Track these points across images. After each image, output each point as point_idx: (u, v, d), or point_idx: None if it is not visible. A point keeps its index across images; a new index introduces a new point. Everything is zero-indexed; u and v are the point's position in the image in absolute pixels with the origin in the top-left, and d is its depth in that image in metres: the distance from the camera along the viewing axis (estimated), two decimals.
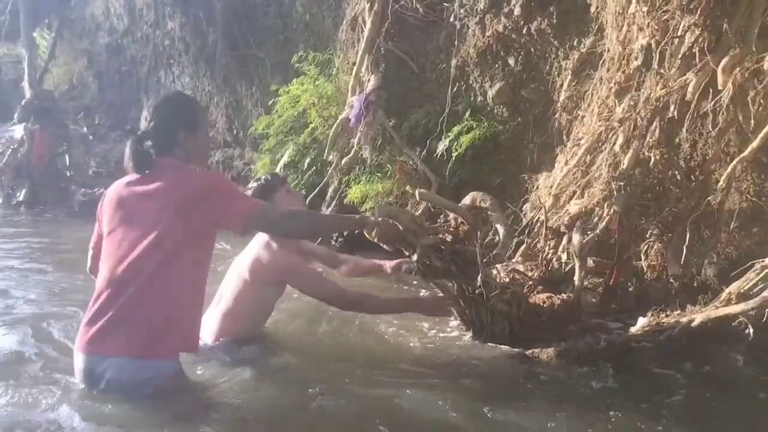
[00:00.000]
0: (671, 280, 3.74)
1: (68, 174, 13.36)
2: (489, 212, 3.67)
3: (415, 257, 3.13)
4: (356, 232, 4.11)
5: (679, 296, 3.70)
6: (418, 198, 3.37)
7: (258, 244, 3.15)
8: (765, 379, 2.99)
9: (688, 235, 3.74)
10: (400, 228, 2.97)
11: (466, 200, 3.74)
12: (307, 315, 3.85)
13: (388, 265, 3.63)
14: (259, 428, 2.45)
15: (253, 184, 3.32)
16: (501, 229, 3.58)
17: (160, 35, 11.40)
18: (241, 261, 3.19)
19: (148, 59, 12.33)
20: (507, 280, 3.64)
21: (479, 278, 3.13)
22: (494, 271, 3.65)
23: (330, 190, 6.71)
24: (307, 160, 6.77)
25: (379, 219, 2.86)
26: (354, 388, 2.78)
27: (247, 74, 9.00)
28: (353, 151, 6.01)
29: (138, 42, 12.83)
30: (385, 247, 3.15)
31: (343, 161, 6.17)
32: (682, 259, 3.73)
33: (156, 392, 2.44)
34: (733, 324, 2.87)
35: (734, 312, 2.68)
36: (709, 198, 3.68)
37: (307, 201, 6.65)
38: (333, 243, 6.80)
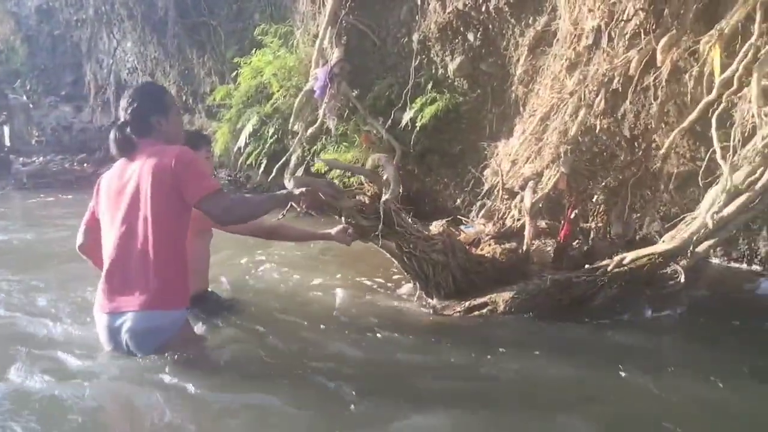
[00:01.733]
0: (615, 238, 4.21)
1: (7, 144, 13.08)
2: (384, 166, 3.92)
3: (344, 220, 3.41)
4: None
5: (621, 251, 4.19)
6: (321, 164, 3.62)
7: None
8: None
9: (629, 198, 4.22)
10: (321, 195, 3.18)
11: (369, 162, 4.02)
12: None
13: (334, 230, 3.65)
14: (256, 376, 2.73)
15: None
16: (393, 182, 3.81)
17: None
18: None
19: (88, 24, 12.08)
20: (436, 232, 3.94)
21: (380, 227, 3.34)
22: (431, 227, 3.99)
23: (293, 158, 6.94)
24: (271, 130, 6.97)
25: (301, 190, 3.02)
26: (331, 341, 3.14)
27: (199, 42, 9.05)
28: (319, 121, 6.25)
29: (72, 5, 12.53)
30: (313, 213, 3.46)
31: (309, 131, 6.41)
32: (625, 219, 4.21)
33: (169, 343, 2.74)
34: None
35: (657, 251, 3.14)
36: (649, 163, 4.16)
37: (274, 170, 6.93)
38: (298, 209, 7.09)
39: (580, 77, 4.02)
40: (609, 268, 3.28)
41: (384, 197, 3.34)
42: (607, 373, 2.72)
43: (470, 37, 5.26)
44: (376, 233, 3.35)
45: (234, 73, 7.34)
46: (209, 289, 3.62)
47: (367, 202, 3.37)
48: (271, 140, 7.18)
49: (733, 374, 2.70)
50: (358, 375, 2.70)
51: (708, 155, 4.02)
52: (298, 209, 3.03)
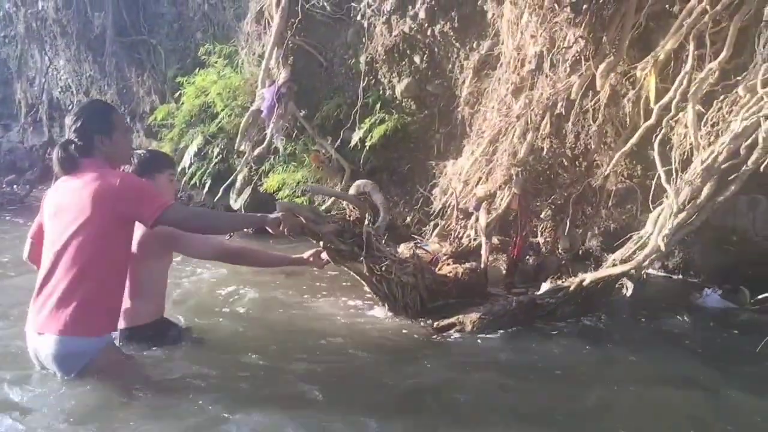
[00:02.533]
0: (562, 252, 4.41)
1: None
2: (370, 194, 4.05)
3: (321, 244, 3.48)
4: None
5: (570, 266, 4.40)
6: (308, 191, 3.71)
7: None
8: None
9: (574, 214, 4.44)
10: (302, 220, 3.26)
11: (353, 188, 4.12)
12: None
13: (306, 254, 3.63)
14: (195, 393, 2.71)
15: (140, 152, 3.38)
16: (381, 208, 3.93)
17: (28, 15, 10.79)
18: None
19: (18, 41, 11.67)
20: (407, 255, 4.09)
21: (362, 253, 3.50)
22: (401, 249, 4.15)
23: (239, 178, 6.92)
24: (216, 150, 6.93)
25: (280, 214, 3.05)
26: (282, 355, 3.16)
27: (138, 61, 8.90)
28: (266, 141, 6.26)
29: (0, 21, 12.10)
30: (291, 237, 3.51)
31: (256, 151, 6.41)
32: (571, 234, 4.42)
33: (91, 366, 2.67)
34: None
35: (615, 273, 3.33)
36: (591, 181, 4.38)
37: (221, 190, 6.88)
38: (246, 229, 7.06)
39: (526, 101, 4.21)
40: (570, 289, 3.44)
41: (377, 224, 3.55)
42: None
43: (417, 59, 5.40)
44: (353, 257, 3.43)
45: (177, 93, 7.25)
46: (165, 316, 3.52)
47: (347, 227, 3.46)
48: (216, 160, 7.13)
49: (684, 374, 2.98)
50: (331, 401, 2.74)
51: (644, 174, 4.34)
52: (273, 232, 3.03)
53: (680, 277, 4.59)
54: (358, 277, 3.70)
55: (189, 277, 4.75)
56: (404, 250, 3.90)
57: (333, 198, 5.58)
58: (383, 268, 3.52)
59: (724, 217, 4.06)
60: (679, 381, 2.93)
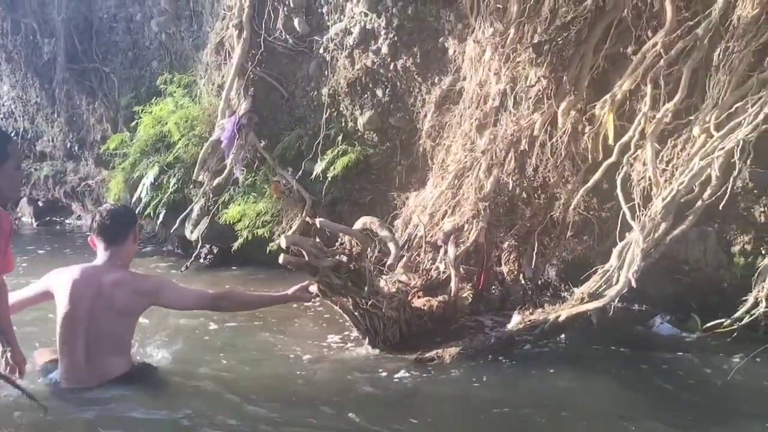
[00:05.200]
0: (526, 282, 4.53)
1: None
2: (377, 232, 4.17)
3: (317, 278, 3.55)
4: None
5: (533, 295, 4.53)
6: (318, 226, 3.77)
7: (113, 280, 3.00)
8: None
9: (536, 245, 4.58)
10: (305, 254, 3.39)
11: (358, 224, 4.21)
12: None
13: (291, 291, 3.61)
14: None
15: (109, 206, 3.34)
16: (391, 244, 4.08)
17: None
18: (101, 298, 2.96)
19: None
20: (393, 290, 4.20)
21: (366, 289, 3.63)
22: (382, 283, 4.23)
23: (196, 209, 6.81)
24: (172, 180, 6.82)
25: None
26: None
27: (90, 89, 8.72)
28: (226, 172, 6.21)
29: None
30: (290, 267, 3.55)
31: (215, 182, 6.35)
32: (533, 264, 4.55)
33: None
34: None
35: (590, 308, 3.46)
36: (551, 214, 4.54)
37: (177, 221, 6.77)
38: (203, 261, 6.96)
39: (490, 137, 4.35)
40: (546, 327, 3.54)
41: (389, 262, 3.78)
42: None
43: (379, 93, 5.50)
44: (345, 291, 3.51)
45: (133, 122, 7.12)
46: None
47: (344, 261, 3.52)
48: (172, 190, 7.01)
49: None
50: None
51: (600, 206, 4.53)
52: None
53: (636, 306, 4.75)
54: (340, 311, 3.73)
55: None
56: (388, 283, 3.95)
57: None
58: (370, 303, 3.55)
59: (676, 248, 4.26)
60: (635, 404, 3.14)
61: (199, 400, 3.01)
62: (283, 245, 3.41)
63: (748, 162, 3.59)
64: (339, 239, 3.98)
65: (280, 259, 3.48)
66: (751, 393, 3.33)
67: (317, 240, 3.73)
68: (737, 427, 2.98)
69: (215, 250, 6.85)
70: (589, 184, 3.98)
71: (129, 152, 7.21)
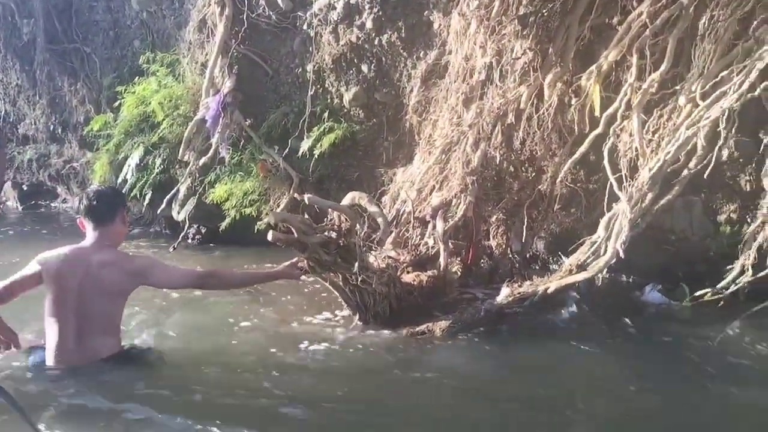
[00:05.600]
0: (515, 255, 4.55)
1: None
2: (366, 207, 4.16)
3: (306, 254, 3.54)
4: None
5: (521, 268, 4.55)
6: (306, 202, 3.76)
7: (101, 260, 2.97)
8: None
9: (524, 218, 4.58)
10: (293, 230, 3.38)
11: (346, 200, 4.20)
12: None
13: (280, 267, 3.55)
14: None
15: (96, 187, 3.34)
16: (380, 219, 4.09)
17: None
18: (89, 278, 2.93)
19: None
20: (383, 265, 4.20)
21: (355, 265, 3.61)
22: (371, 259, 4.22)
23: (183, 189, 6.77)
24: (158, 161, 6.76)
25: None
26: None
27: (71, 69, 8.59)
28: (211, 151, 6.16)
29: None
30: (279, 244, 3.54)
31: (201, 161, 6.30)
32: (523, 238, 4.57)
33: None
34: None
35: (578, 279, 3.48)
36: (539, 187, 4.54)
37: (164, 201, 6.73)
38: (191, 241, 6.93)
39: (477, 110, 4.32)
40: (535, 299, 3.56)
41: (377, 236, 3.76)
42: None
43: (364, 68, 5.45)
44: (334, 267, 3.50)
45: (117, 103, 7.03)
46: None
47: (334, 237, 3.51)
48: (158, 171, 6.96)
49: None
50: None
51: (587, 178, 4.54)
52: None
53: (623, 277, 4.79)
54: (330, 287, 3.73)
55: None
56: (374, 259, 3.94)
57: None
58: (360, 279, 3.55)
59: (663, 218, 4.28)
60: (630, 371, 3.18)
61: (190, 378, 3.01)
62: (272, 222, 3.40)
63: (734, 131, 3.60)
64: (327, 216, 3.97)
65: (269, 236, 3.46)
66: (738, 356, 3.38)
67: (306, 216, 3.71)
68: (723, 388, 3.02)
69: (203, 231, 6.82)
70: (576, 155, 3.98)
71: (113, 133, 7.14)
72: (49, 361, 2.91)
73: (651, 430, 2.66)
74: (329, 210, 3.92)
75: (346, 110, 5.67)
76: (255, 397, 2.83)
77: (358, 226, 3.90)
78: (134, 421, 2.51)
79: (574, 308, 3.86)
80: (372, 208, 4.17)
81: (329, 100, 5.73)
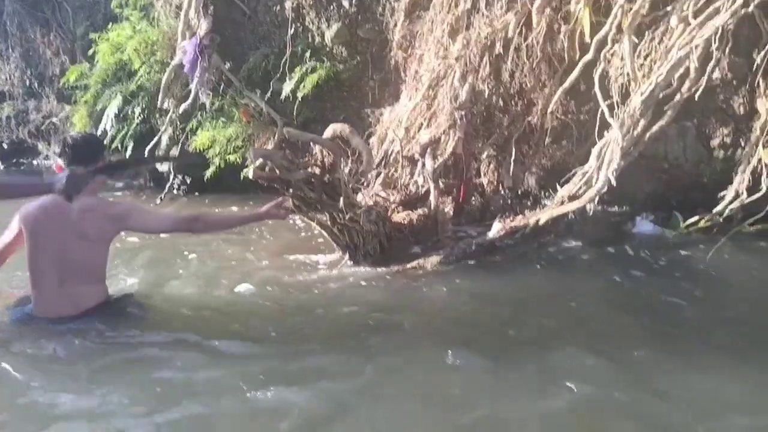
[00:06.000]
0: (506, 191, 4.47)
1: None
2: (349, 139, 4.03)
3: (290, 192, 3.43)
4: None
5: (513, 204, 4.48)
6: (286, 136, 3.62)
7: (81, 207, 2.84)
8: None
9: (515, 153, 4.49)
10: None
11: (328, 132, 4.06)
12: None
13: (265, 208, 3.37)
14: None
15: (76, 133, 3.17)
16: (363, 150, 3.96)
17: None
18: (69, 226, 2.83)
19: None
20: (371, 203, 4.12)
21: (341, 200, 3.50)
22: (359, 197, 4.14)
23: (165, 138, 6.61)
24: (137, 110, 6.57)
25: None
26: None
27: (43, 19, 8.28)
28: (191, 97, 5.97)
29: None
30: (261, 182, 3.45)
31: (181, 108, 6.11)
32: (513, 173, 4.48)
33: None
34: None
35: (569, 209, 3.41)
36: (529, 119, 4.43)
37: (146, 152, 6.57)
38: (176, 192, 6.82)
39: (463, 42, 4.17)
40: (527, 231, 3.49)
41: (362, 169, 3.56)
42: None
43: (345, 3, 5.24)
44: (320, 206, 3.39)
45: (90, 51, 6.79)
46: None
47: (318, 173, 3.39)
48: (138, 120, 6.77)
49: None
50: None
51: (578, 110, 4.43)
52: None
53: (616, 208, 4.74)
54: (318, 227, 3.64)
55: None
56: (361, 198, 3.86)
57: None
58: (348, 217, 3.46)
59: (655, 146, 4.20)
60: (622, 296, 3.19)
61: (178, 322, 2.94)
62: (252, 159, 3.27)
63: (727, 51, 3.49)
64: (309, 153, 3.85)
65: (250, 173, 3.35)
66: (729, 275, 3.38)
67: (287, 152, 3.59)
68: (716, 309, 3.01)
69: (188, 180, 6.69)
70: (566, 84, 3.86)
71: (90, 84, 6.91)
72: (36, 312, 2.84)
73: (639, 343, 2.63)
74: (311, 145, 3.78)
75: (328, 49, 5.48)
76: (245, 337, 2.77)
77: (342, 160, 3.78)
78: (122, 368, 2.46)
79: (566, 241, 3.81)
80: (355, 140, 4.03)
81: (310, 39, 5.53)
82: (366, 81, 5.43)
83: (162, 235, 4.11)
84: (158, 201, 6.52)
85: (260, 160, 3.43)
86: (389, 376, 2.37)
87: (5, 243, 2.95)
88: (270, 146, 5.70)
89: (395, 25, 5.02)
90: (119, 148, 6.94)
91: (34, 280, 2.83)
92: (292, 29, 5.51)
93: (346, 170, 3.87)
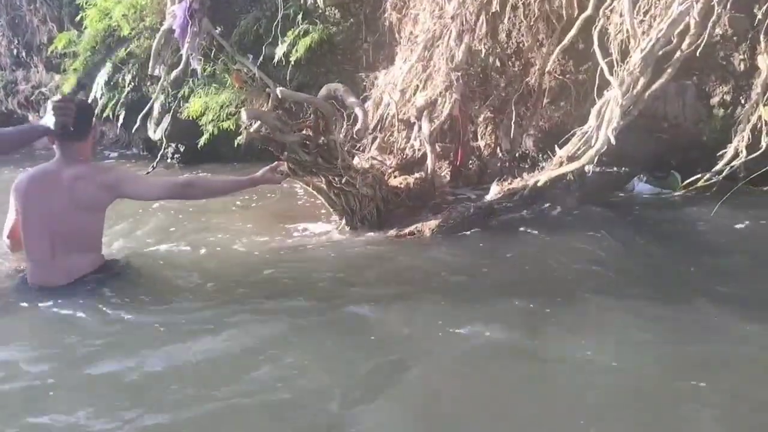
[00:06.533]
0: (504, 154, 4.43)
1: None
2: (344, 99, 3.94)
3: (285, 156, 3.38)
4: None
5: (510, 167, 4.44)
6: (279, 96, 3.54)
7: (73, 174, 2.82)
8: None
9: (513, 115, 4.43)
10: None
11: (322, 92, 3.97)
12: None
13: (260, 172, 3.31)
14: None
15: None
16: (358, 110, 3.83)
17: None
18: (60, 194, 2.79)
19: None
20: (367, 166, 4.06)
21: (337, 163, 3.46)
22: (355, 160, 4.08)
23: (156, 106, 6.51)
24: (128, 78, 6.47)
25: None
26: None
27: None
28: (182, 63, 5.87)
29: None
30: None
31: (172, 75, 6.01)
32: (511, 135, 4.43)
33: None
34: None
35: (568, 170, 3.37)
36: (526, 80, 4.37)
37: (138, 120, 6.48)
38: (170, 160, 6.75)
39: (459, 0, 4.08)
40: (525, 193, 3.45)
41: (356, 128, 3.43)
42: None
43: None
44: (316, 169, 3.34)
45: (78, 17, 6.64)
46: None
47: (312, 135, 3.32)
48: (129, 89, 6.67)
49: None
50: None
51: (576, 69, 4.36)
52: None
53: (614, 169, 4.69)
54: (313, 192, 3.60)
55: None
56: (361, 161, 3.80)
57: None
58: (344, 181, 3.42)
59: (655, 105, 4.14)
60: (622, 257, 3.13)
61: (173, 288, 2.90)
62: (245, 119, 3.21)
63: (728, 6, 3.41)
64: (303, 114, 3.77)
65: (243, 137, 3.29)
66: (728, 234, 3.35)
67: (280, 113, 3.50)
68: (716, 268, 2.99)
69: (182, 149, 6.61)
70: (565, 41, 3.79)
71: (78, 51, 6.78)
72: (31, 281, 2.82)
73: (639, 298, 2.61)
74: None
75: (320, 11, 5.37)
76: (243, 301, 2.73)
77: (336, 121, 3.70)
78: (115, 338, 2.43)
79: (564, 202, 3.76)
80: (350, 99, 3.89)
81: (302, 1, 5.41)
82: (360, 44, 5.34)
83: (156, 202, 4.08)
84: (150, 169, 6.46)
85: (254, 122, 3.38)
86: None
87: (13, 221, 2.93)
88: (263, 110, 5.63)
89: None
90: (111, 117, 6.85)
91: (28, 248, 2.81)
92: None
93: (342, 132, 3.79)
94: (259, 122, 3.37)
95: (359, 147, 5.05)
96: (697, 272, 2.89)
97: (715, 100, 4.06)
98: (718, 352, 2.16)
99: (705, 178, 3.61)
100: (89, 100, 6.76)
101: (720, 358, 2.12)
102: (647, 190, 4.31)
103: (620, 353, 2.13)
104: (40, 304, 2.65)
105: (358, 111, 3.51)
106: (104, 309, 2.61)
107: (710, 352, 2.16)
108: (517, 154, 4.90)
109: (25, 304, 2.69)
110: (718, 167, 3.59)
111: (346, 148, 3.76)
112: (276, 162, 3.29)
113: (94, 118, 3.00)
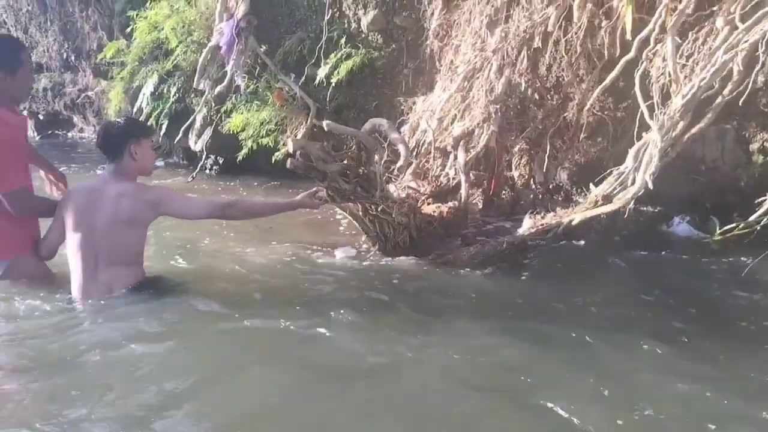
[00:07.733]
0: (537, 186, 4.45)
1: None
2: (387, 134, 4.03)
3: (325, 183, 3.49)
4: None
5: (543, 199, 4.46)
6: (326, 128, 3.66)
7: (117, 191, 2.95)
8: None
9: (548, 148, 4.45)
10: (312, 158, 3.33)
11: (367, 126, 4.07)
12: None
13: (300, 197, 3.45)
14: None
15: (106, 121, 3.34)
16: (401, 146, 3.94)
17: None
18: (104, 210, 2.92)
19: None
20: (403, 195, 4.14)
21: (376, 194, 3.56)
22: (391, 188, 4.16)
23: (199, 118, 6.67)
24: (173, 89, 6.65)
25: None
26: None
27: None
28: (227, 79, 6.02)
29: None
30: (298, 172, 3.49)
31: (216, 90, 6.17)
32: (545, 168, 4.45)
33: None
34: None
35: (604, 211, 3.38)
36: (564, 115, 4.39)
37: (180, 131, 6.65)
38: (208, 171, 6.90)
39: (502, 34, 4.13)
40: (560, 230, 3.47)
41: (399, 163, 3.62)
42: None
43: None
44: (354, 197, 3.47)
45: (129, 28, 6.86)
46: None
47: (353, 165, 3.45)
48: (173, 99, 6.86)
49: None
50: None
51: (616, 106, 4.37)
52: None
53: (649, 208, 4.68)
54: (349, 217, 3.68)
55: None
56: (394, 189, 3.88)
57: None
58: (380, 209, 3.49)
59: (693, 147, 4.13)
60: (657, 301, 3.13)
61: (215, 303, 2.98)
62: (291, 150, 3.34)
63: None
64: (346, 144, 3.88)
65: (288, 164, 3.42)
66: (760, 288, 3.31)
67: (325, 144, 3.61)
68: (750, 322, 2.96)
69: (221, 161, 6.77)
70: (606, 81, 3.80)
71: (126, 61, 7.00)
72: (74, 294, 2.93)
73: (672, 351, 2.61)
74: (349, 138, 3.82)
75: (363, 35, 5.47)
76: (280, 320, 2.80)
77: (377, 154, 3.80)
78: (154, 351, 2.52)
79: (599, 240, 3.77)
80: (393, 135, 4.03)
81: (346, 25, 5.52)
82: (400, 69, 5.42)
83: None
84: (189, 179, 6.62)
85: (298, 150, 3.48)
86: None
87: (54, 232, 3.05)
88: (302, 131, 5.74)
89: (432, 13, 4.98)
90: (154, 126, 7.03)
91: (73, 263, 2.93)
92: (329, 14, 5.50)
93: (382, 164, 3.88)
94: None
95: (393, 169, 5.13)
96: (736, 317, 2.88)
97: (754, 146, 4.04)
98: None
99: (742, 226, 3.57)
100: (134, 110, 6.98)
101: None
102: (685, 231, 4.28)
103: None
104: (89, 323, 2.75)
105: (401, 147, 3.60)
106: (144, 324, 2.69)
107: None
108: (550, 186, 4.93)
109: (66, 317, 2.79)
110: (755, 216, 3.55)
111: (384, 177, 3.84)
112: (315, 188, 3.40)
113: (130, 138, 3.06)
